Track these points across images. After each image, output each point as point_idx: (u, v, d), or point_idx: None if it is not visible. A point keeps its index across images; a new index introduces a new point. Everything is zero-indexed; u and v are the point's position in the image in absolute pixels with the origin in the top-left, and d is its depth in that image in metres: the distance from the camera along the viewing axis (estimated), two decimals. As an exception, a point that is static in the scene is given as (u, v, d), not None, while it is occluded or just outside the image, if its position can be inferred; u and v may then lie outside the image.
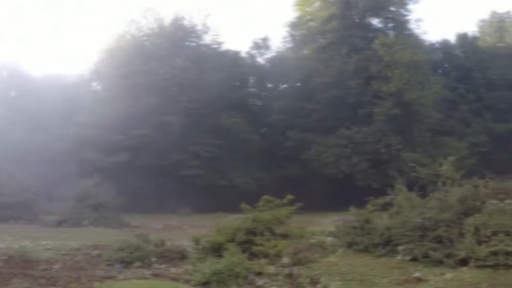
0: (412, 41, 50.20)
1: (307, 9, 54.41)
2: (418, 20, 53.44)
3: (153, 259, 12.83)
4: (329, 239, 14.49)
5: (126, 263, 12.50)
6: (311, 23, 53.89)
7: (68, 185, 40.45)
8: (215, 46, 54.38)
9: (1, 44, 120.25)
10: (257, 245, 12.43)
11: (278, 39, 64.70)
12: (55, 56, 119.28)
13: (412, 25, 53.35)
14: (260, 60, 58.67)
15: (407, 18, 53.05)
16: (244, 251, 12.00)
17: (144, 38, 53.82)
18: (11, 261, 12.65)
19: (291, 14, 58.65)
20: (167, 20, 53.01)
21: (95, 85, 62.27)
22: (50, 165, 52.17)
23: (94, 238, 20.22)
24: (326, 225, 24.37)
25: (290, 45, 57.58)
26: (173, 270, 12.07)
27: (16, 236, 20.35)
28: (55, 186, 48.12)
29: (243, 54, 57.49)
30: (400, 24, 52.53)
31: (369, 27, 53.48)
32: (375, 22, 54.25)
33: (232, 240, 12.68)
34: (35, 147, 54.56)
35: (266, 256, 12.02)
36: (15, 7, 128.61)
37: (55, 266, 12.17)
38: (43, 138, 53.36)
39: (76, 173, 44.28)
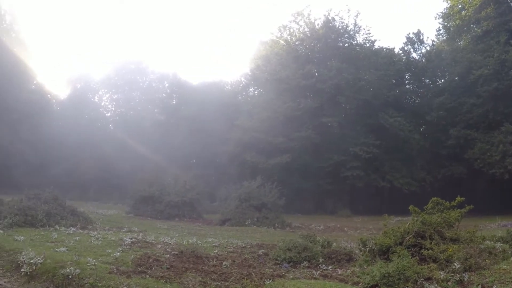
0: None
1: (458, -3, 51.13)
2: None
3: (321, 259, 12.75)
4: (499, 245, 13.36)
5: (294, 263, 12.56)
6: (463, 12, 50.71)
7: (229, 186, 42.00)
8: (368, 45, 53.70)
9: (162, 56, 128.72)
10: (426, 249, 11.79)
11: (432, 32, 62.15)
12: (212, 65, 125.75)
13: None
14: (415, 55, 56.64)
15: None
16: (412, 255, 11.48)
17: (297, 42, 54.55)
18: (183, 256, 13.22)
19: (442, 4, 56.00)
20: (318, 23, 53.25)
21: (252, 91, 64.27)
22: (211, 167, 54.72)
23: (258, 237, 20.74)
24: (493, 229, 22.77)
25: (444, 37, 55.20)
26: (340, 271, 11.87)
27: (182, 233, 21.57)
28: (217, 187, 50.38)
29: (397, 50, 56.05)
30: None
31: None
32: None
33: (400, 243, 12.17)
34: (197, 151, 57.62)
35: (435, 260, 11.33)
36: (171, 21, 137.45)
37: (224, 263, 12.46)
38: (205, 142, 56.14)
39: (237, 175, 45.83)
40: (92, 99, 72.60)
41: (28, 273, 10.85)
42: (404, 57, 55.42)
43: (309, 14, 53.75)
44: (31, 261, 11.08)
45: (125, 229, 21.80)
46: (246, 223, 28.36)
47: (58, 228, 19.00)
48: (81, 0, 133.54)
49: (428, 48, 56.14)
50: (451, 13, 51.78)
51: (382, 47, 54.76)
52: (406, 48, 56.27)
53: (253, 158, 46.89)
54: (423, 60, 54.36)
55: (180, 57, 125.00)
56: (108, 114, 74.67)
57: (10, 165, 54.31)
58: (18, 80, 58.67)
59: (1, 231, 16.80)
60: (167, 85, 73.52)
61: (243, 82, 67.15)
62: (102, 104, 74.71)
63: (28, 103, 57.76)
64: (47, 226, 19.10)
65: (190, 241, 17.09)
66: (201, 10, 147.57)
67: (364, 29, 53.66)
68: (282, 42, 55.38)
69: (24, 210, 19.60)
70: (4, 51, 57.66)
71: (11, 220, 18.41)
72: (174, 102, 68.15)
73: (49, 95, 67.10)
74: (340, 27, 53.12)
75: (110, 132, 68.93)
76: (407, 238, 12.29)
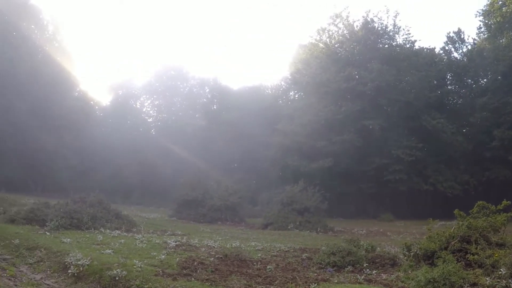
0: None
1: (498, -6, 49.79)
2: None
3: (365, 264, 12.73)
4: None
5: (338, 267, 12.57)
6: (504, 9, 49.18)
7: (271, 190, 42.13)
8: (408, 45, 52.96)
9: (202, 61, 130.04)
10: (472, 254, 11.66)
11: (472, 30, 60.88)
12: (252, 69, 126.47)
13: None
14: (456, 55, 55.65)
15: None
16: (457, 260, 11.38)
17: (337, 45, 54.32)
18: (227, 260, 13.41)
19: (482, 1, 54.76)
20: (357, 24, 52.99)
21: (292, 94, 64.31)
22: (253, 171, 54.99)
23: (300, 241, 20.77)
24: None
25: (485, 35, 53.72)
26: (384, 276, 11.82)
27: (225, 236, 21.77)
28: (258, 191, 50.55)
29: (438, 50, 55.24)
30: None
31: None
32: None
33: (445, 248, 12.05)
34: (238, 155, 58.01)
35: (481, 266, 11.18)
36: (211, 26, 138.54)
37: (269, 266, 12.55)
38: (246, 147, 56.45)
39: (279, 179, 45.91)
40: (134, 105, 73.93)
41: (75, 274, 11.19)
42: (445, 57, 54.56)
43: (347, 16, 53.61)
44: (78, 263, 11.43)
45: (168, 232, 22.17)
46: (289, 227, 28.37)
47: (103, 230, 19.46)
48: (122, 8, 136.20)
49: (469, 47, 55.19)
50: (492, 10, 50.37)
51: (423, 47, 54.12)
52: (447, 48, 55.47)
53: (295, 162, 46.82)
54: (465, 60, 53.41)
55: (220, 62, 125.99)
56: (150, 120, 75.94)
57: (55, 169, 55.82)
58: (62, 88, 60.22)
59: (48, 233, 17.29)
60: (207, 90, 74.38)
61: (283, 86, 67.35)
62: (144, 110, 76.04)
63: (72, 110, 59.16)
64: (93, 229, 19.58)
65: (234, 244, 17.22)
66: (239, 15, 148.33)
67: (403, 29, 53.11)
68: (321, 45, 55.25)
69: (70, 213, 20.14)
70: (48, 60, 59.27)
71: (57, 223, 18.95)
72: (215, 107, 68.84)
73: (92, 102, 68.54)
74: (379, 28, 52.75)
75: (152, 137, 70.00)
76: (452, 242, 12.19)
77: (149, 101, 76.39)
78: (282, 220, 29.77)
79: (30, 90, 54.42)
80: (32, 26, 61.85)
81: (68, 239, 15.75)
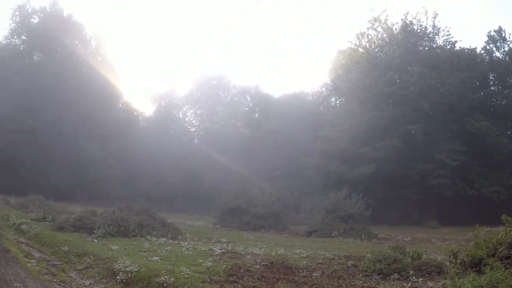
0: None
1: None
2: None
3: (411, 271, 12.65)
4: None
5: (384, 275, 12.53)
6: None
7: (314, 197, 42.06)
8: (448, 46, 52.08)
9: (243, 69, 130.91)
10: (520, 260, 11.52)
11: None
12: (292, 76, 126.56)
13: None
14: (498, 54, 53.76)
15: None
16: (505, 267, 11.23)
17: (377, 49, 54.00)
18: (273, 267, 13.54)
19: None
20: (396, 27, 52.55)
21: (334, 100, 64.12)
22: (295, 179, 54.97)
23: (345, 248, 20.79)
24: None
25: (528, 32, 52.23)
26: (430, 284, 11.73)
27: (269, 244, 21.96)
28: (301, 198, 50.51)
29: (479, 50, 53.63)
30: None
31: None
32: None
33: (493, 255, 11.89)
34: (281, 163, 58.11)
35: (529, 273, 11.06)
36: (250, 34, 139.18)
37: (314, 274, 12.61)
38: (288, 154, 56.54)
39: (321, 186, 45.74)
40: (177, 115, 75.15)
41: (124, 280, 11.51)
42: (487, 57, 52.78)
43: (386, 20, 53.36)
44: (127, 269, 11.78)
45: (213, 240, 22.55)
46: (333, 235, 28.37)
47: (149, 238, 20.00)
48: (162, 19, 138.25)
49: (511, 45, 53.45)
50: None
51: (463, 48, 52.83)
52: (488, 47, 53.64)
53: (338, 168, 46.48)
54: (507, 59, 51.72)
55: (260, 70, 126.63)
56: (193, 129, 77.01)
57: (101, 178, 57.37)
58: (106, 100, 61.94)
59: (96, 241, 17.90)
60: (249, 99, 74.93)
61: (324, 93, 67.29)
62: (187, 119, 77.19)
63: (116, 121, 60.72)
64: (139, 236, 20.14)
65: (279, 252, 17.33)
66: (279, 23, 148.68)
67: (443, 30, 52.40)
68: (361, 50, 55.06)
69: (117, 221, 20.77)
70: (92, 73, 61.14)
71: (104, 230, 19.60)
72: (256, 116, 69.26)
73: (135, 113, 70.07)
74: (418, 30, 52.21)
75: (195, 146, 70.97)
76: (500, 249, 12.01)
77: (191, 111, 77.57)
78: (326, 227, 29.80)
79: (77, 103, 56.09)
80: (76, 42, 63.94)
81: (116, 246, 16.26)
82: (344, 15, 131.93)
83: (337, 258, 16.51)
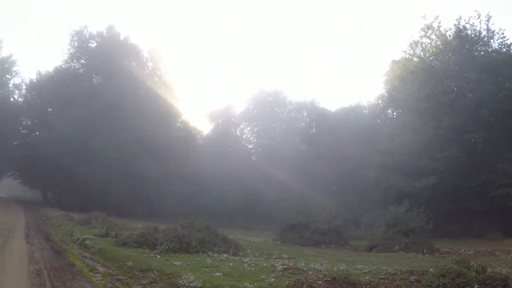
0: None
1: None
2: None
3: (476, 286, 12.50)
4: None
5: (448, 290, 12.46)
6: None
7: (374, 211, 41.67)
8: (504, 49, 50.18)
9: (298, 85, 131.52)
10: None
11: None
12: (346, 90, 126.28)
13: None
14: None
15: None
16: None
17: (432, 57, 52.95)
18: (336, 283, 13.66)
19: None
20: (449, 34, 51.43)
21: (390, 112, 63.42)
22: (354, 193, 54.58)
23: (407, 263, 20.59)
24: None
25: None
26: (496, 298, 11.66)
27: (330, 259, 21.97)
28: (360, 213, 50.11)
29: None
30: None
31: None
32: None
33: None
34: (339, 177, 57.88)
35: None
36: (305, 50, 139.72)
37: (377, 290, 12.71)
38: (346, 168, 56.29)
39: (381, 200, 45.24)
40: (234, 133, 76.21)
41: (188, 295, 11.82)
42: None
43: (439, 26, 52.40)
44: (191, 284, 12.22)
45: (275, 255, 22.72)
46: (394, 249, 28.14)
47: (211, 254, 20.41)
48: (217, 38, 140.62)
49: None
50: None
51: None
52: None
53: (398, 182, 45.66)
54: None
55: (315, 84, 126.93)
56: (250, 146, 77.84)
57: (161, 195, 58.86)
58: (165, 119, 63.56)
59: (158, 256, 18.40)
60: (305, 114, 75.29)
61: (381, 105, 66.70)
62: (244, 136, 78.18)
63: (175, 139, 62.13)
64: (201, 252, 20.58)
65: (341, 267, 17.30)
66: (331, 37, 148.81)
67: (497, 33, 50.69)
68: (415, 59, 54.29)
69: (179, 237, 21.32)
70: (150, 94, 62.99)
71: (167, 246, 20.17)
72: (313, 131, 69.25)
73: (193, 131, 71.32)
74: (472, 35, 50.79)
75: (253, 163, 71.62)
76: None
77: (248, 128, 78.61)
78: (387, 242, 29.56)
79: (136, 123, 57.70)
80: (133, 64, 66.04)
81: (179, 262, 16.71)
82: (396, 24, 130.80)
83: (399, 273, 16.36)
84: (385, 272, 16.56)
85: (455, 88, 48.24)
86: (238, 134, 77.48)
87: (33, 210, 45.64)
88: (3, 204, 52.36)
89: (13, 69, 69.85)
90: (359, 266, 18.22)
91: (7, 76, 70.11)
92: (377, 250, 29.04)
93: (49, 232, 27.18)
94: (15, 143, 66.08)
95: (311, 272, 16.12)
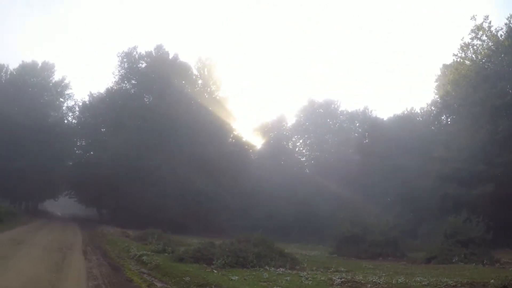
0: None
1: None
2: None
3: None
4: None
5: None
6: None
7: (430, 221, 40.91)
8: None
9: (349, 94, 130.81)
10: None
11: None
12: (397, 97, 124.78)
13: None
14: None
15: None
16: None
17: (484, 59, 51.50)
18: (394, 296, 13.65)
19: None
20: (501, 34, 50.03)
21: (444, 118, 62.26)
22: (410, 203, 53.68)
23: (467, 275, 20.16)
24: None
25: None
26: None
27: (388, 272, 21.72)
28: (416, 223, 49.25)
29: None
30: None
31: None
32: None
33: None
34: (393, 187, 57.06)
35: None
36: (353, 57, 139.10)
37: (437, 303, 12.63)
38: (400, 178, 55.42)
39: (438, 209, 44.39)
40: (286, 146, 76.49)
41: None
42: None
43: (489, 27, 50.94)
44: (250, 299, 12.41)
45: (332, 269, 22.56)
46: (453, 260, 27.59)
47: (268, 268, 20.48)
48: (266, 54, 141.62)
49: None
50: None
51: None
52: None
53: (455, 190, 44.47)
54: None
55: (367, 92, 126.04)
56: (303, 159, 77.98)
57: (214, 210, 59.61)
58: (217, 135, 64.47)
59: (215, 271, 18.65)
60: (358, 124, 74.98)
61: (434, 111, 65.58)
62: (296, 149, 78.32)
63: (228, 155, 62.85)
64: (257, 267, 20.67)
65: (399, 280, 17.19)
66: (380, 44, 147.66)
67: (555, 27, 48.71)
68: (467, 62, 52.96)
69: (236, 252, 21.54)
70: (201, 111, 64.09)
71: (223, 261, 20.36)
72: (366, 141, 68.80)
73: (246, 146, 71.87)
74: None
75: (306, 175, 71.68)
76: None
77: (300, 141, 78.81)
78: (446, 253, 29.01)
79: (189, 140, 58.86)
80: (183, 82, 67.23)
81: (236, 277, 16.83)
82: (445, 27, 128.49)
83: (459, 285, 16.15)
84: (444, 284, 16.33)
85: (510, 91, 46.95)
86: (290, 147, 77.79)
87: (89, 228, 47.13)
88: (61, 222, 54.35)
89: (66, 92, 72.95)
90: (418, 279, 17.94)
91: (61, 99, 73.27)
92: (435, 261, 28.48)
93: (106, 249, 27.86)
94: (70, 163, 68.82)
95: (369, 285, 16.07)
